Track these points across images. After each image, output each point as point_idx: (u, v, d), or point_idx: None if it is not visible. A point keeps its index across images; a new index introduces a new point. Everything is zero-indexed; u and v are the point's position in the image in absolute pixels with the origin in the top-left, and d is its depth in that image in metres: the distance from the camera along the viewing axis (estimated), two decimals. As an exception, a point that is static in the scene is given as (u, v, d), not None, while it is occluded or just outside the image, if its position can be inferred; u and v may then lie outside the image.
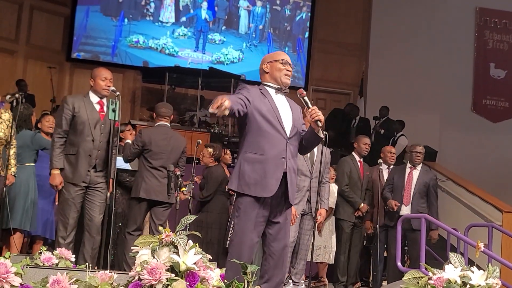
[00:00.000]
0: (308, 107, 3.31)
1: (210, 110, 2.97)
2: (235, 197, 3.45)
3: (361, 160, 6.33)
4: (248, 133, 3.31)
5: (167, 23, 11.38)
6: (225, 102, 2.92)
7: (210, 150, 6.38)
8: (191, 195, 5.63)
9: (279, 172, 3.27)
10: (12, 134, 4.72)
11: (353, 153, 6.36)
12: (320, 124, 3.27)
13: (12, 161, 4.72)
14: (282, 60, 3.39)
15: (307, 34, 12.00)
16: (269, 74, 3.42)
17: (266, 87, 3.41)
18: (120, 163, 5.25)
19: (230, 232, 5.81)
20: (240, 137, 3.42)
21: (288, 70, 3.40)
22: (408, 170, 6.14)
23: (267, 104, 3.31)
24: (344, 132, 10.50)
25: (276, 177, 3.26)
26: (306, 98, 3.35)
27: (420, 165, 6.17)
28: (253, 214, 3.23)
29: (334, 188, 6.44)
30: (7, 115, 4.66)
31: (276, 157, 3.27)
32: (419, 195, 6.05)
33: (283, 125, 3.33)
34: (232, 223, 5.78)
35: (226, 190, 6.16)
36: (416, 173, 6.12)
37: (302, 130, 3.45)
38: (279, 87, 3.41)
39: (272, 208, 3.31)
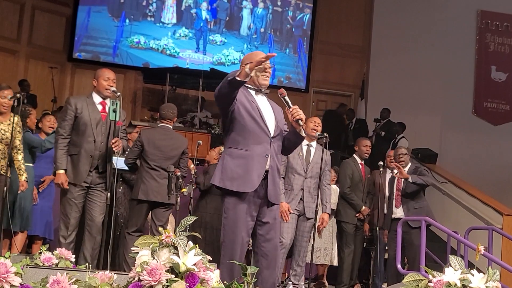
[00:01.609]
0: (289, 107, 3.32)
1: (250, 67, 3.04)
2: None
3: (363, 162, 6.34)
4: (233, 129, 3.33)
5: (168, 24, 11.39)
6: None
7: (222, 149, 6.48)
8: (191, 196, 5.64)
9: (261, 168, 3.28)
10: (20, 138, 4.77)
11: (354, 155, 6.37)
12: (301, 123, 3.28)
13: (22, 167, 4.78)
14: None
15: (308, 36, 11.99)
16: None
17: (247, 88, 3.42)
18: (121, 164, 5.26)
19: None
20: (224, 134, 3.43)
21: (265, 72, 3.36)
22: (398, 174, 6.14)
23: (251, 103, 3.34)
24: (339, 134, 10.51)
25: (259, 173, 3.26)
26: (286, 97, 3.36)
27: (408, 166, 6.14)
28: (241, 213, 3.23)
29: (336, 189, 6.45)
30: (16, 119, 4.73)
31: (260, 154, 3.29)
32: (414, 195, 5.99)
33: (267, 124, 3.34)
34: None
35: None
36: None
37: (284, 131, 3.46)
38: (258, 88, 3.42)
39: (260, 208, 3.32)
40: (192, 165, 6.34)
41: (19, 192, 4.85)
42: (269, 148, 3.31)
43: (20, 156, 4.80)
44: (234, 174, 3.24)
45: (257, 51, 3.69)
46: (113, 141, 4.26)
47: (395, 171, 5.93)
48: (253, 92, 3.41)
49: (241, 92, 3.33)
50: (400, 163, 6.10)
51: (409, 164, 6.19)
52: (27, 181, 4.84)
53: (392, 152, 6.84)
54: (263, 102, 3.42)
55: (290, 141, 3.46)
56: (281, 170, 4.57)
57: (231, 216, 3.25)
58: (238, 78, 3.06)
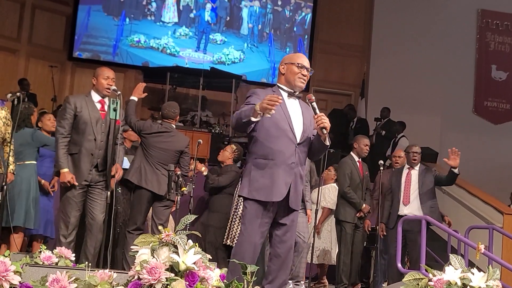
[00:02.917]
0: (315, 113, 3.29)
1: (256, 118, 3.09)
2: (242, 199, 3.44)
3: (360, 160, 6.32)
4: (257, 138, 3.33)
5: (168, 23, 11.38)
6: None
7: (234, 147, 6.39)
8: (191, 195, 5.62)
9: (288, 176, 3.29)
10: (10, 131, 4.72)
11: (352, 153, 6.31)
12: (325, 132, 3.25)
13: (11, 159, 4.72)
14: (298, 64, 3.39)
15: (308, 35, 11.99)
16: (284, 76, 3.44)
17: (280, 89, 3.42)
18: (124, 163, 5.26)
19: (232, 231, 5.80)
20: (249, 142, 3.43)
21: (303, 75, 3.39)
22: (406, 171, 6.12)
23: (278, 108, 3.27)
24: (343, 133, 10.51)
25: (286, 182, 3.29)
26: (314, 104, 3.33)
27: (418, 165, 6.14)
28: (259, 216, 3.27)
29: (335, 187, 6.44)
30: (3, 113, 4.66)
31: (285, 162, 3.29)
32: (431, 194, 5.97)
33: (293, 130, 3.33)
34: (232, 222, 5.80)
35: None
36: (415, 173, 6.07)
37: (313, 135, 3.43)
38: (292, 91, 3.41)
39: (279, 210, 3.33)
40: (204, 167, 6.28)
41: (6, 182, 4.77)
42: (294, 154, 3.31)
43: (9, 149, 4.74)
44: (261, 185, 3.27)
45: (298, 53, 3.74)
46: (113, 171, 4.29)
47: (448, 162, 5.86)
48: (285, 95, 3.40)
49: None
50: (413, 161, 6.10)
51: (419, 164, 6.17)
52: (13, 174, 4.79)
53: (399, 152, 6.83)
54: (293, 106, 3.41)
55: (315, 147, 3.44)
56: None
57: (248, 217, 3.29)
58: (253, 119, 3.10)
